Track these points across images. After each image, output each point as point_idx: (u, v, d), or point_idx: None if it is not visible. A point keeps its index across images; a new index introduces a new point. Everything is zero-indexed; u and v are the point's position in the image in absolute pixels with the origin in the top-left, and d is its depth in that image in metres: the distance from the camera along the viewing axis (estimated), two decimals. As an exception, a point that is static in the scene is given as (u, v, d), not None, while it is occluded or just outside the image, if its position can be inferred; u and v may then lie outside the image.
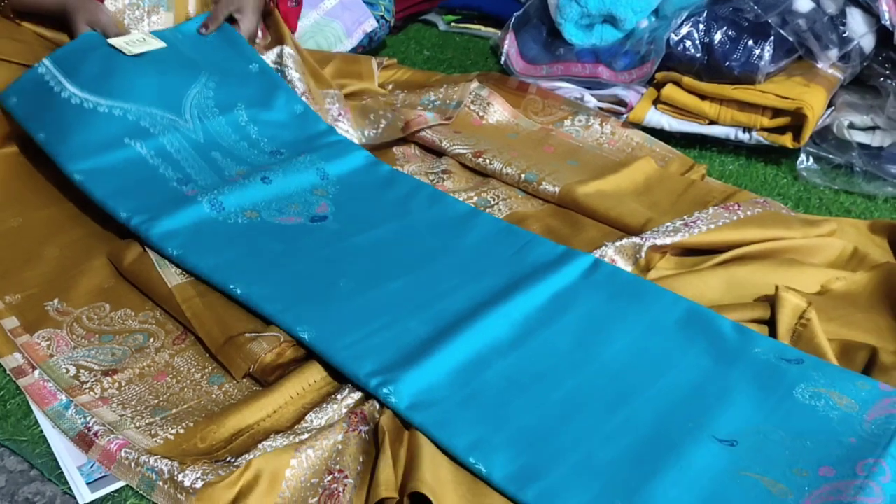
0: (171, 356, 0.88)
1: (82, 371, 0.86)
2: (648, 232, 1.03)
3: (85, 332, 0.91)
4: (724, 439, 0.75)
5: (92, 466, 0.76)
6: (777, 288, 0.90)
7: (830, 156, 1.25)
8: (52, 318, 0.93)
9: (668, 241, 1.01)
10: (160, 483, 0.72)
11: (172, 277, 0.96)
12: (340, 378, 0.83)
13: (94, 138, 1.12)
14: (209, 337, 0.88)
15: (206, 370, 0.86)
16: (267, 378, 0.84)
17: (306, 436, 0.75)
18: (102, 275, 1.00)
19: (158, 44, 1.27)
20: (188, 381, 0.85)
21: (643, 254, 1.00)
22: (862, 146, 1.25)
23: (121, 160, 1.11)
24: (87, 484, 0.75)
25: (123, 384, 0.84)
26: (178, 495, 0.71)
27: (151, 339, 0.90)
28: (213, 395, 0.83)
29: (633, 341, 0.87)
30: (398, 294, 0.93)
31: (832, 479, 0.70)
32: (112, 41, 1.24)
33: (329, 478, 0.73)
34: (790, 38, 1.31)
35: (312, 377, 0.83)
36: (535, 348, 0.86)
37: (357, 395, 0.80)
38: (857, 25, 1.32)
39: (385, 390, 0.78)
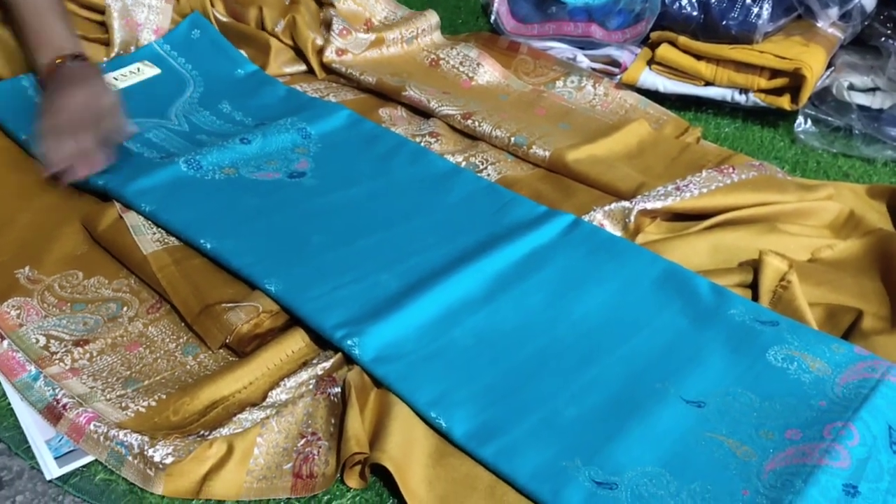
0: (145, 326, 0.85)
1: (52, 341, 0.83)
2: (639, 196, 1.00)
3: (56, 301, 0.88)
4: (691, 400, 0.73)
5: (60, 440, 0.73)
6: (760, 252, 0.88)
7: (829, 118, 1.22)
8: (22, 287, 0.90)
9: (658, 205, 0.99)
10: (129, 458, 0.70)
11: (148, 244, 0.93)
12: (317, 347, 0.81)
13: None
14: (185, 306, 0.85)
15: (181, 340, 0.84)
16: (244, 349, 0.81)
17: (279, 404, 0.74)
18: (75, 241, 0.97)
19: (152, 71, 1.28)
20: (162, 352, 0.82)
21: (632, 218, 0.98)
22: (861, 108, 1.21)
23: None
24: (56, 458, 0.72)
25: (95, 354, 0.81)
26: (148, 470, 0.69)
27: (125, 308, 0.88)
28: (188, 367, 0.80)
29: (607, 300, 0.86)
30: (371, 250, 0.91)
31: (798, 441, 0.69)
32: None
33: (302, 441, 0.71)
34: (789, -4, 1.27)
35: (290, 348, 0.80)
36: (507, 305, 0.85)
37: (328, 363, 0.78)
38: (859, -18, 1.27)
39: (350, 342, 0.77)
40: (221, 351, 0.82)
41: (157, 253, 0.91)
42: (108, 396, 0.76)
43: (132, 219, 0.96)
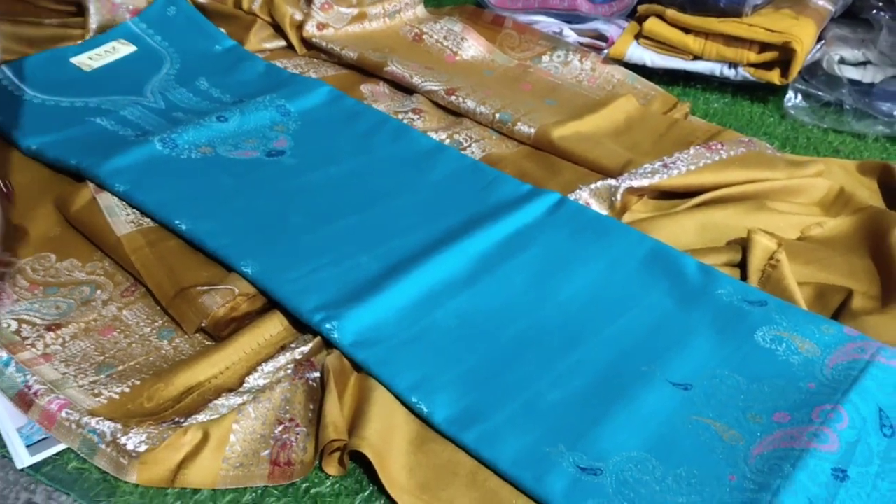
0: (119, 309, 0.83)
1: (24, 326, 0.81)
2: (626, 174, 0.98)
3: (28, 285, 0.86)
4: (678, 383, 0.72)
5: (32, 428, 0.71)
6: (749, 231, 0.87)
7: (819, 93, 1.20)
8: (-7, 270, 0.87)
9: (645, 182, 0.97)
10: (102, 446, 0.68)
11: (122, 226, 0.90)
12: (296, 331, 0.79)
13: (54, 121, 1.09)
14: (159, 289, 0.83)
15: (157, 324, 0.82)
16: (220, 333, 0.79)
17: (256, 390, 0.72)
18: (48, 223, 0.95)
19: (127, 49, 1.25)
20: (136, 336, 0.80)
21: (619, 196, 0.96)
22: (852, 82, 1.20)
23: (79, 132, 1.07)
24: (27, 447, 0.70)
25: (67, 339, 0.79)
26: (121, 459, 0.67)
27: (99, 292, 0.85)
28: (163, 351, 0.78)
29: (593, 280, 0.84)
30: (351, 230, 0.89)
31: (786, 424, 0.67)
32: (74, 59, 1.22)
33: (280, 428, 0.70)
34: (779, -32, 1.24)
35: (268, 332, 0.78)
36: (490, 286, 0.83)
37: (307, 347, 0.76)
38: (851, -47, 1.25)
39: (328, 325, 0.75)
40: (197, 335, 0.80)
41: (131, 234, 0.89)
42: (80, 383, 0.74)
43: (106, 199, 0.93)
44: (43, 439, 0.71)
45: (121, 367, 0.76)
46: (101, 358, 0.77)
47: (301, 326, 0.79)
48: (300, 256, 0.85)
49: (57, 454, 0.70)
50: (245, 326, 0.79)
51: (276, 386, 0.72)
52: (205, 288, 0.82)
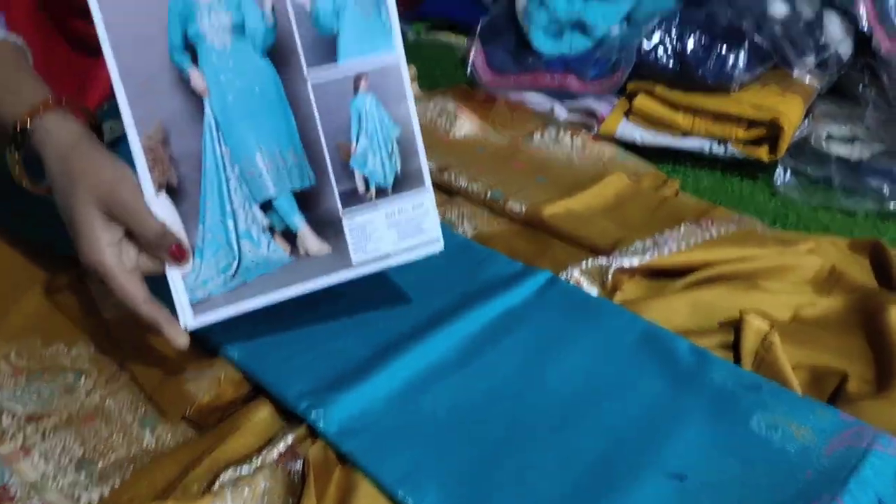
0: (103, 398, 0.81)
1: (5, 416, 0.79)
2: (616, 252, 0.98)
3: (11, 371, 0.84)
4: (672, 473, 0.70)
5: (8, 522, 0.69)
6: (741, 312, 0.86)
7: (808, 169, 1.21)
8: (-23, 356, 0.86)
9: (635, 262, 0.96)
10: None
11: (110, 308, 0.89)
12: (283, 418, 0.77)
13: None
14: (145, 376, 0.82)
15: (140, 412, 0.80)
16: (205, 421, 0.78)
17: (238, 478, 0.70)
18: (36, 306, 0.93)
19: None
20: (118, 425, 0.78)
21: (610, 276, 0.95)
22: (841, 159, 1.20)
23: None
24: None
25: (48, 431, 0.77)
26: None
27: (83, 378, 0.84)
28: (145, 443, 0.76)
29: (585, 362, 0.82)
30: (339, 311, 0.88)
31: None
32: None
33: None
34: (765, 45, 1.26)
35: (254, 417, 0.77)
36: (479, 370, 0.81)
37: (292, 436, 0.74)
38: (835, 31, 1.27)
39: (314, 414, 0.74)
40: (182, 423, 0.79)
41: (118, 317, 0.88)
42: (59, 484, 0.71)
43: (94, 281, 0.93)
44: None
45: (101, 464, 0.74)
46: (82, 451, 0.75)
47: (287, 414, 0.78)
48: (285, 338, 0.84)
49: (33, 552, 0.68)
50: (230, 415, 0.77)
51: (259, 474, 0.70)
52: (190, 374, 0.80)
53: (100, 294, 0.91)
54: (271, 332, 0.85)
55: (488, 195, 1.13)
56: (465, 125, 1.34)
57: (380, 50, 0.77)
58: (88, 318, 0.89)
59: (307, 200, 0.78)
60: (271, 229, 0.78)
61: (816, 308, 0.92)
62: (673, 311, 0.91)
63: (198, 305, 0.75)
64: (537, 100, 1.40)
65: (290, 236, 0.78)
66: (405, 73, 0.78)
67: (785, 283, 0.95)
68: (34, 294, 0.95)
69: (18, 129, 0.75)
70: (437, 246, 0.83)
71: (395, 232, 0.81)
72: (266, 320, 0.86)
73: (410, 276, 0.96)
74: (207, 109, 0.74)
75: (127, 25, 0.70)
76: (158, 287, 0.75)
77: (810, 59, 1.28)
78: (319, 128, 0.77)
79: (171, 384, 0.80)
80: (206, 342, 0.84)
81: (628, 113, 1.32)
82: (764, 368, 0.82)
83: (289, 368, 0.80)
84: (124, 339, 0.86)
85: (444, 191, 1.18)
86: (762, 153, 1.21)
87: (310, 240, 0.78)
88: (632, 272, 0.97)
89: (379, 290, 0.93)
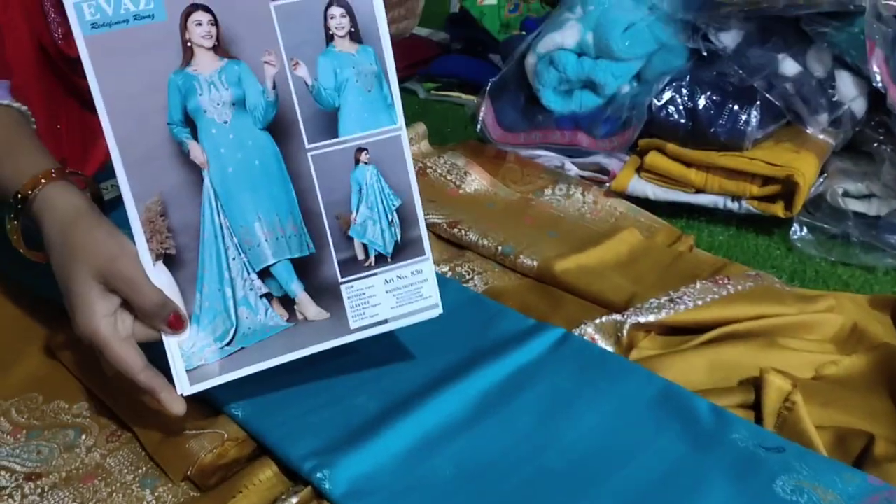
0: (103, 457, 0.79)
1: (3, 474, 0.77)
2: (631, 309, 0.96)
3: (11, 428, 0.83)
4: None
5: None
6: (762, 370, 0.83)
7: (825, 225, 1.19)
8: (-23, 412, 0.84)
9: (651, 318, 0.94)
10: None
11: (112, 366, 0.87)
12: (287, 479, 0.75)
13: None
14: (146, 433, 0.80)
15: (140, 471, 0.77)
16: (206, 482, 0.75)
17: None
18: (38, 362, 0.92)
19: None
20: (118, 484, 0.76)
21: (625, 332, 0.93)
22: (858, 215, 1.19)
23: None
24: None
25: (47, 489, 0.75)
26: None
27: (83, 436, 0.82)
28: (144, 503, 0.74)
29: (600, 423, 0.80)
30: (345, 367, 0.86)
31: None
32: None
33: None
34: (777, 103, 1.26)
35: (256, 480, 0.74)
36: (492, 429, 0.79)
37: (296, 499, 0.71)
38: (847, 89, 1.27)
39: (319, 475, 0.71)
40: (182, 484, 0.76)
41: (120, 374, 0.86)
42: (54, 546, 0.69)
43: (98, 337, 0.91)
44: None
45: (99, 524, 0.72)
46: (79, 511, 0.73)
47: (292, 474, 0.75)
48: (292, 396, 0.81)
49: None
50: (233, 475, 0.75)
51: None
52: (192, 432, 0.78)
53: (103, 349, 0.89)
54: (276, 389, 0.82)
55: (499, 250, 1.12)
56: (476, 181, 1.33)
57: (381, 124, 0.77)
58: (90, 375, 0.87)
59: (305, 267, 0.77)
60: (269, 296, 0.77)
61: (839, 367, 0.89)
62: (691, 369, 0.88)
63: (194, 372, 0.74)
64: (547, 156, 1.40)
65: (287, 302, 0.77)
66: (406, 145, 0.78)
67: (805, 341, 0.93)
68: (36, 350, 0.93)
69: (19, 198, 0.75)
70: (436, 311, 0.81)
71: (394, 298, 0.80)
72: (270, 378, 0.84)
73: (419, 331, 0.93)
74: (207, 181, 0.74)
75: (126, 99, 0.70)
76: (153, 351, 0.74)
77: (824, 117, 1.27)
78: (320, 199, 0.76)
79: (172, 443, 0.78)
80: (208, 400, 0.82)
81: (640, 169, 1.31)
82: (787, 429, 0.79)
83: (294, 427, 0.77)
84: (125, 396, 0.83)
85: (455, 245, 1.17)
86: (778, 209, 1.20)
87: (308, 306, 0.77)
88: (647, 329, 0.95)
89: (387, 346, 0.91)
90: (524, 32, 1.73)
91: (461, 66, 1.91)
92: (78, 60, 0.68)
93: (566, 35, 1.39)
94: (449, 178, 1.34)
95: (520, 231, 1.18)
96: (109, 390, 0.85)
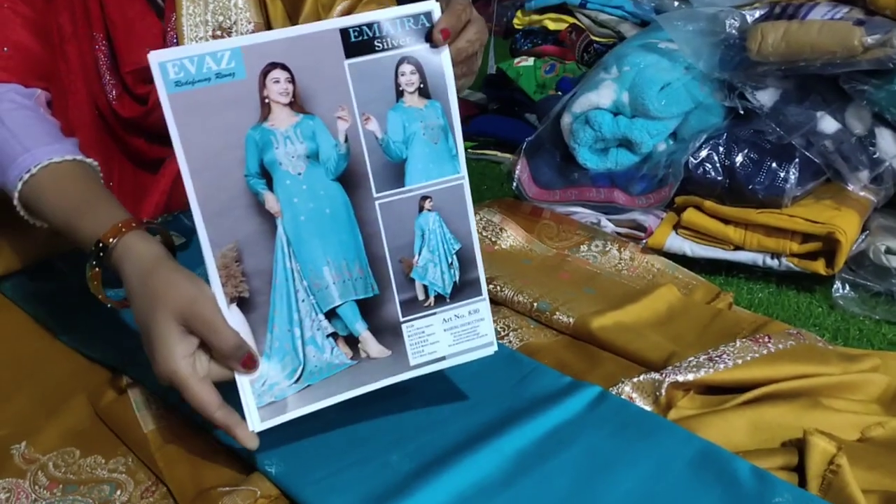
0: (137, 512, 0.79)
1: (39, 528, 0.77)
2: (670, 367, 0.95)
3: (48, 483, 0.83)
4: None
5: None
6: (805, 431, 0.81)
7: (868, 283, 1.17)
8: (16, 466, 0.85)
9: (690, 377, 0.92)
10: None
11: (150, 422, 0.88)
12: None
13: None
14: (180, 489, 0.80)
15: (174, 528, 0.77)
16: (239, 538, 0.75)
17: None
18: (78, 416, 0.93)
19: None
20: (152, 541, 0.76)
21: (663, 391, 0.91)
22: (901, 272, 1.17)
23: None
24: None
25: (81, 544, 0.75)
26: None
27: (119, 492, 0.82)
28: (177, 560, 0.74)
29: (639, 484, 0.78)
30: (380, 424, 0.85)
31: None
32: None
33: None
34: (817, 160, 1.25)
35: (289, 535, 0.74)
36: (527, 489, 0.77)
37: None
38: (888, 146, 1.26)
39: None
40: (216, 541, 0.76)
41: (157, 430, 0.87)
42: None
43: (136, 394, 0.92)
44: None
45: (131, 582, 0.71)
46: (112, 567, 0.73)
47: (325, 532, 0.74)
48: (326, 453, 0.81)
49: None
50: (265, 532, 0.74)
51: None
52: (226, 489, 0.78)
53: (140, 408, 0.90)
54: (309, 446, 0.82)
55: (535, 306, 1.11)
56: (511, 237, 1.34)
57: (445, 173, 0.80)
58: (127, 430, 0.88)
59: (369, 307, 0.80)
60: (334, 335, 0.79)
61: (885, 428, 0.86)
62: (732, 429, 0.86)
63: (264, 409, 0.77)
64: (583, 213, 1.40)
65: (352, 341, 0.80)
66: (468, 192, 0.81)
67: (850, 402, 0.90)
68: (78, 406, 0.94)
69: (101, 246, 0.79)
70: (491, 349, 0.84)
71: (452, 336, 0.82)
72: (305, 434, 0.84)
73: (454, 388, 0.93)
74: (280, 229, 0.76)
75: (206, 153, 0.73)
76: (225, 389, 0.76)
77: (864, 174, 1.26)
78: (385, 244, 0.79)
79: (206, 499, 0.77)
80: (242, 456, 0.82)
81: (677, 226, 1.31)
82: (832, 494, 0.76)
83: (327, 485, 0.77)
84: (162, 452, 0.84)
85: (490, 302, 1.16)
86: (819, 267, 1.18)
87: (371, 344, 0.80)
88: (686, 388, 0.93)
89: (422, 403, 0.90)
90: (560, 92, 1.75)
91: (498, 126, 1.94)
92: (130, 120, 0.71)
93: (602, 95, 1.40)
94: (484, 234, 1.35)
95: (556, 287, 1.18)
96: (146, 448, 0.85)
